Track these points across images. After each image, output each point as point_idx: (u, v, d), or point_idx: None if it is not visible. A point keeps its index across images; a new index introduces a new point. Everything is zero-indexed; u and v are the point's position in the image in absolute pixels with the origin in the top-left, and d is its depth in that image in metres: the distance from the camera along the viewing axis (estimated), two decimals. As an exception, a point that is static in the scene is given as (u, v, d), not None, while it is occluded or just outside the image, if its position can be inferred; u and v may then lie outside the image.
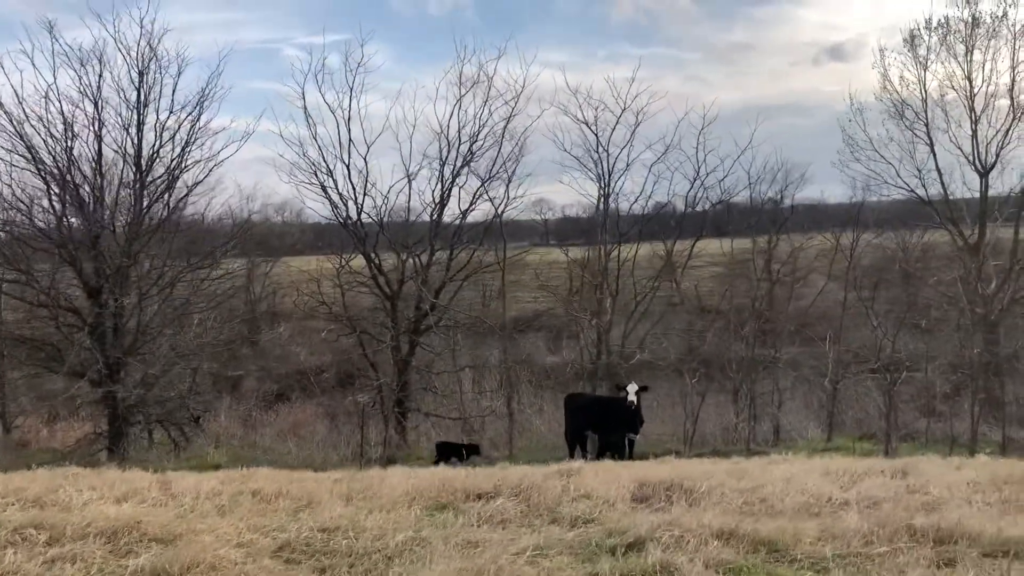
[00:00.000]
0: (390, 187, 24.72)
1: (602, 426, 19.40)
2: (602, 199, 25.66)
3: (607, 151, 25.66)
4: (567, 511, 6.65)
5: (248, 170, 42.98)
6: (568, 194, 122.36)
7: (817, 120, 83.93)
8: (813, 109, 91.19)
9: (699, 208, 26.94)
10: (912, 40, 29.18)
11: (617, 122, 25.38)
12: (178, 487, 7.77)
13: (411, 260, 24.40)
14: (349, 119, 24.28)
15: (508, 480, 7.30)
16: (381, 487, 7.46)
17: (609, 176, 25.40)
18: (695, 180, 26.47)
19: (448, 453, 18.00)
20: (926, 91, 28.94)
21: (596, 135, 25.69)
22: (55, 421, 26.39)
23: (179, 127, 22.33)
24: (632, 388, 18.96)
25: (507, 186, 24.32)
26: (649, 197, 25.94)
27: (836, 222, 38.53)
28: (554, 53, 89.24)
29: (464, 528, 6.33)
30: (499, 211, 24.25)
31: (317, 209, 26.18)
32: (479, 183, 24.53)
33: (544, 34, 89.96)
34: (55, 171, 21.57)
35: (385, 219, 24.78)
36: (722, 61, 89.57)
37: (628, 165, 25.70)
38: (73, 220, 22.37)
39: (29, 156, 21.22)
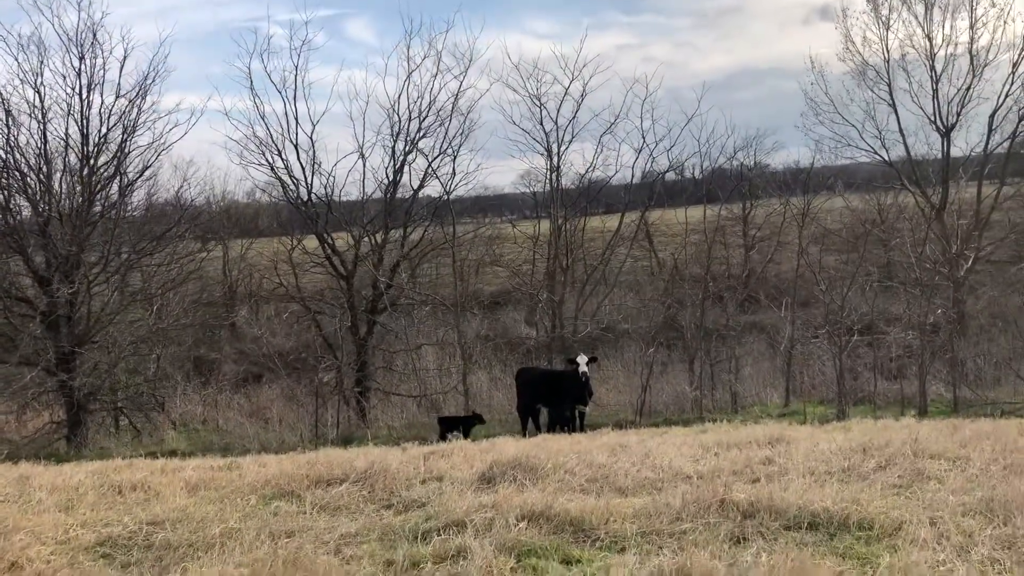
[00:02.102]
0: (335, 163, 24.47)
1: (552, 399, 19.44)
2: (552, 172, 25.51)
3: (555, 123, 25.47)
4: (405, 496, 6.60)
5: (234, 149, 42.07)
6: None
7: (806, 82, 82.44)
8: (802, 72, 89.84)
9: (648, 178, 26.75)
10: (874, -1, 28.78)
11: (566, 93, 25.19)
12: (39, 482, 7.74)
13: (366, 239, 24.23)
14: (295, 97, 24.06)
15: (359, 465, 7.23)
16: (231, 476, 7.43)
17: (559, 147, 25.22)
18: (641, 149, 26.35)
19: (449, 427, 18.12)
20: (888, 51, 28.62)
21: (541, 107, 25.50)
22: (25, 411, 26.39)
23: (123, 113, 22.17)
24: (582, 360, 19.01)
25: (453, 162, 24.19)
26: (594, 168, 25.80)
27: (809, 186, 38.25)
28: (538, 22, 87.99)
29: (294, 516, 6.29)
30: (448, 189, 24.13)
31: (268, 190, 25.90)
32: (427, 162, 24.37)
33: (528, 2, 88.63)
34: (-2, 159, 21.42)
35: (338, 198, 24.63)
36: (711, 26, 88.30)
37: (574, 136, 25.58)
38: (20, 209, 22.30)
39: (-32, 145, 21.07)
